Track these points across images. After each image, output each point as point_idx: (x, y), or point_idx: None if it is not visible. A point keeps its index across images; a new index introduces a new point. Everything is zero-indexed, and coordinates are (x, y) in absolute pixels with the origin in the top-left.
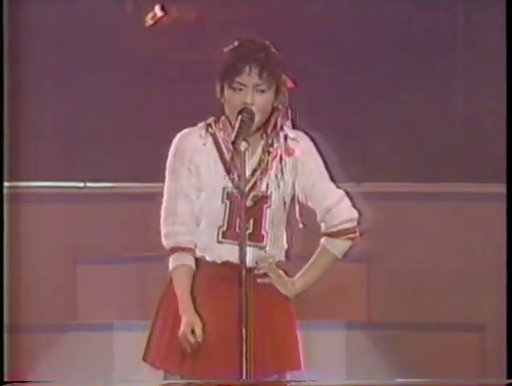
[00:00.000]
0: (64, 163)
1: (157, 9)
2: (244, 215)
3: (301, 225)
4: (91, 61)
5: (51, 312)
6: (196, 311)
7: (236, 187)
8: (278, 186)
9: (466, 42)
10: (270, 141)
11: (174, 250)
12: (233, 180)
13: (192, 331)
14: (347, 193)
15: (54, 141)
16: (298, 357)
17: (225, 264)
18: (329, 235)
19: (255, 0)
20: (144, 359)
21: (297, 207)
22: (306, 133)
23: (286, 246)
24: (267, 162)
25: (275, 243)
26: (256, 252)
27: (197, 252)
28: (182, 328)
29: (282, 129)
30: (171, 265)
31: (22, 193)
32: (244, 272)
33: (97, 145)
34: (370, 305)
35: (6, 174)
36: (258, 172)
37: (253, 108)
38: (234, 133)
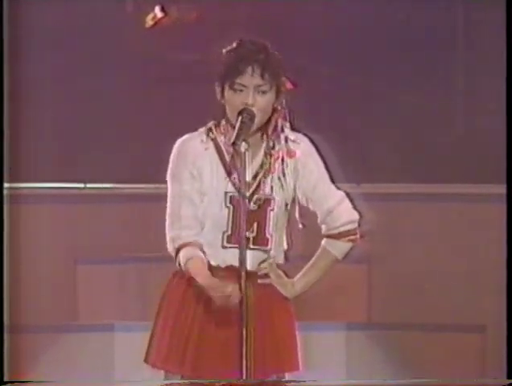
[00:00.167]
0: (64, 164)
1: (157, 10)
2: (246, 217)
3: (301, 225)
4: (91, 61)
5: (52, 312)
6: (197, 313)
7: (237, 190)
8: (282, 188)
9: (466, 42)
10: (271, 143)
11: (182, 246)
12: (234, 183)
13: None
14: (347, 194)
15: (54, 141)
16: (296, 358)
17: (229, 268)
18: (330, 236)
19: (255, 0)
20: (146, 360)
21: (297, 208)
22: (305, 135)
23: (286, 247)
24: (269, 164)
25: (278, 245)
26: (260, 256)
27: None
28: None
29: (282, 130)
30: (182, 260)
31: (22, 194)
32: (244, 273)
33: (97, 145)
34: (371, 305)
35: (6, 175)
36: (261, 175)
37: (254, 109)
38: (234, 134)
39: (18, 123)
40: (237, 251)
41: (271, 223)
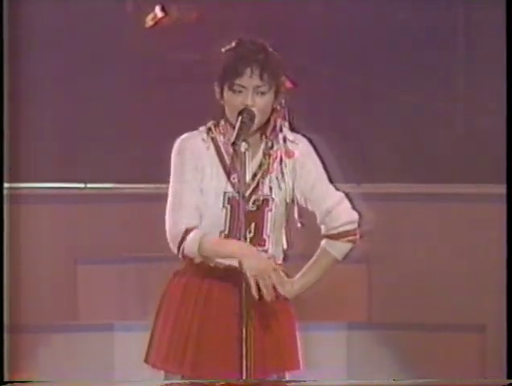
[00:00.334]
0: (64, 164)
1: (157, 10)
2: (244, 218)
3: (299, 225)
4: (91, 61)
5: (52, 312)
6: (196, 312)
7: (237, 191)
8: (280, 189)
9: (466, 42)
10: (269, 144)
11: (189, 231)
12: (233, 184)
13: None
14: (346, 195)
15: (54, 141)
16: (297, 357)
17: (228, 268)
18: (329, 237)
19: (255, 0)
20: (146, 360)
21: (296, 208)
22: (304, 135)
23: (285, 246)
24: (268, 164)
25: (276, 245)
26: None
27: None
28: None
29: (281, 130)
30: (193, 244)
31: (22, 194)
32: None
33: (97, 145)
34: (371, 305)
35: (6, 175)
36: (259, 175)
37: (254, 109)
38: (234, 134)
39: (18, 123)
40: None
41: (269, 223)
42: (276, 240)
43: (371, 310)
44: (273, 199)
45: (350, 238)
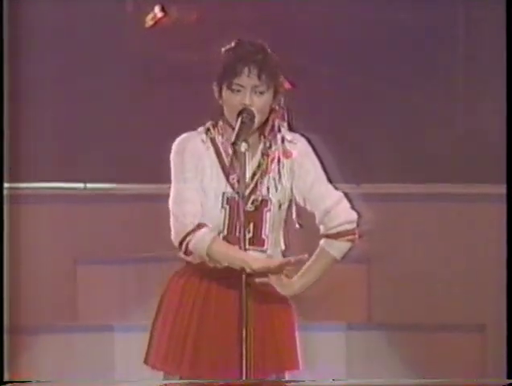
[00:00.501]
0: (64, 164)
1: (157, 9)
2: (244, 218)
3: (298, 226)
4: (91, 61)
5: (52, 313)
6: (195, 313)
7: (236, 192)
8: (277, 189)
9: (466, 42)
10: (268, 144)
11: (201, 226)
12: (232, 184)
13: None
14: (346, 194)
15: (54, 141)
16: (296, 357)
17: (227, 268)
18: (328, 236)
19: (255, 0)
20: (145, 361)
21: (294, 208)
22: (303, 135)
23: (283, 247)
24: (266, 164)
25: (275, 245)
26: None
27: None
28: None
29: (279, 130)
30: (203, 242)
31: (22, 194)
32: (244, 275)
33: (97, 146)
34: (370, 305)
35: (6, 175)
36: (258, 175)
37: (254, 109)
38: (234, 134)
39: (18, 123)
40: None
41: (267, 224)
42: (275, 241)
43: (371, 311)
44: (271, 200)
45: (349, 237)
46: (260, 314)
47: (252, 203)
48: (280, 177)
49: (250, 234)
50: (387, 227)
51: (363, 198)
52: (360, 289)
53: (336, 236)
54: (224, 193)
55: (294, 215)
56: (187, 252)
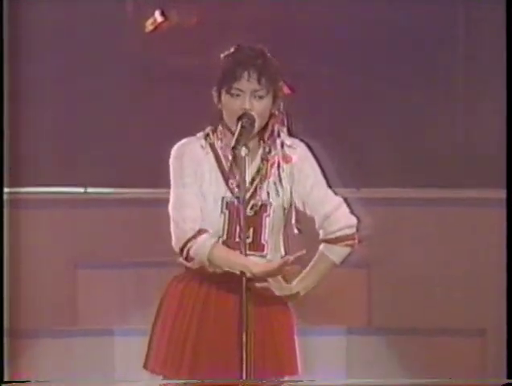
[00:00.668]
0: (64, 169)
1: (157, 14)
2: (243, 223)
3: (296, 231)
4: (91, 63)
5: (52, 317)
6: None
7: (236, 197)
8: (277, 194)
9: (466, 42)
10: (267, 149)
11: (202, 232)
12: (231, 189)
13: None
14: (345, 199)
15: (54, 143)
16: (296, 361)
17: (226, 273)
18: (328, 241)
19: (255, 5)
20: (145, 366)
21: (294, 213)
22: (302, 140)
23: (283, 252)
24: (266, 169)
25: (275, 250)
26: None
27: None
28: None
29: (279, 135)
30: (204, 247)
31: (22, 199)
32: (244, 279)
33: (98, 150)
34: (370, 310)
35: (6, 180)
36: (257, 180)
37: (253, 114)
38: (235, 139)
39: (19, 126)
40: None
41: (267, 229)
42: (275, 246)
43: (371, 315)
44: (271, 205)
45: (348, 242)
46: (259, 318)
47: (251, 207)
48: (280, 181)
49: (250, 239)
50: (387, 231)
51: (363, 202)
52: (360, 293)
53: (336, 240)
54: (223, 198)
55: (293, 220)
56: (188, 258)
